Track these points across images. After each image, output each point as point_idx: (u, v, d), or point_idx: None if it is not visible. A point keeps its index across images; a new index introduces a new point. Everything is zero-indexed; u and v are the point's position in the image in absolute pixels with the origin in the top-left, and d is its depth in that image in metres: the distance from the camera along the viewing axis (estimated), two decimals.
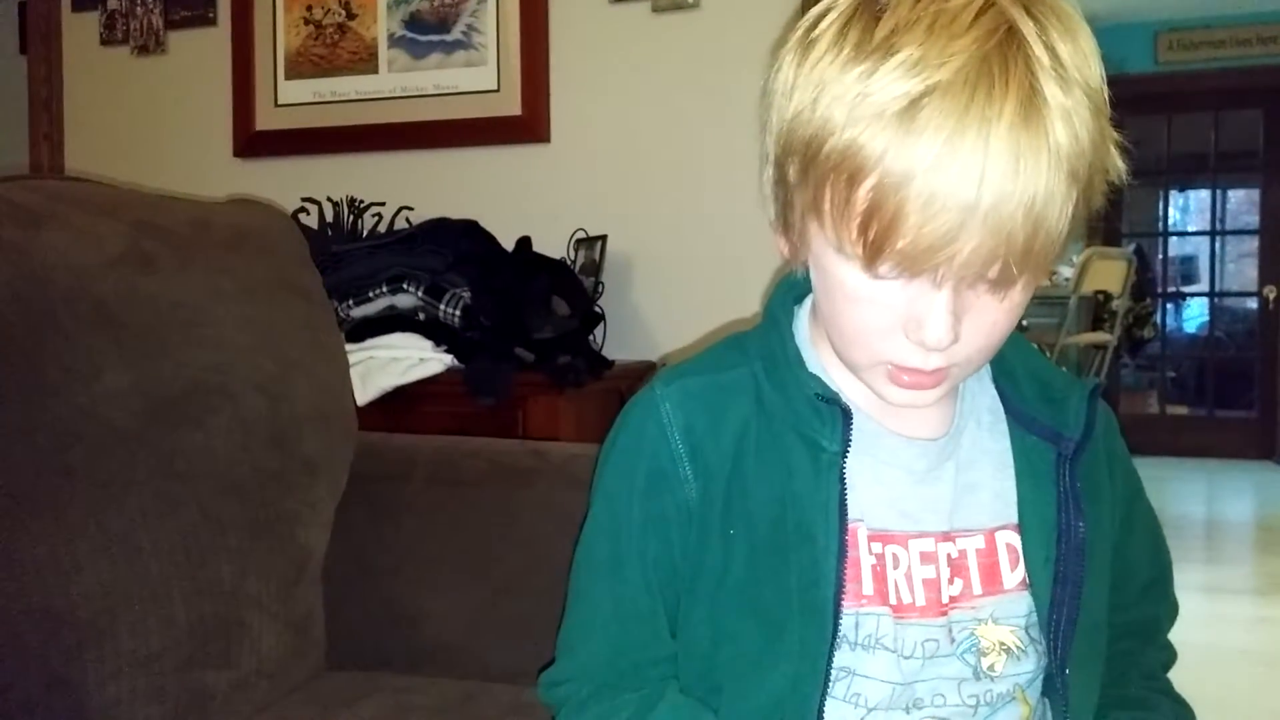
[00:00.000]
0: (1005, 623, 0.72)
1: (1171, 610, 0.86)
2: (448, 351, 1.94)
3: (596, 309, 2.15)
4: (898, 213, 0.59)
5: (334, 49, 2.43)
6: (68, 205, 1.04)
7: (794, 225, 0.69)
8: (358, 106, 2.42)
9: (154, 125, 2.61)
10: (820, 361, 0.75)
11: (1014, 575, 0.72)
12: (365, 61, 2.41)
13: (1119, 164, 0.65)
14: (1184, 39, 5.83)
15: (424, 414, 1.87)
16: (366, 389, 1.87)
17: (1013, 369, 0.77)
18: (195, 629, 0.99)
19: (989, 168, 0.58)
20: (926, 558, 0.71)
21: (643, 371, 2.23)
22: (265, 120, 2.50)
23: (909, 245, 0.59)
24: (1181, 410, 6.40)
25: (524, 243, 2.06)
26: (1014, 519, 0.73)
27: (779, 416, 0.72)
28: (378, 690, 1.11)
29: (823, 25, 0.64)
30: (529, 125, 2.31)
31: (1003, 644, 0.71)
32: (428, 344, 1.95)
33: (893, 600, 0.71)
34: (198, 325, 1.07)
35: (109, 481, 0.95)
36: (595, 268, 2.17)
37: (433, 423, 1.74)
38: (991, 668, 0.71)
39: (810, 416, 0.71)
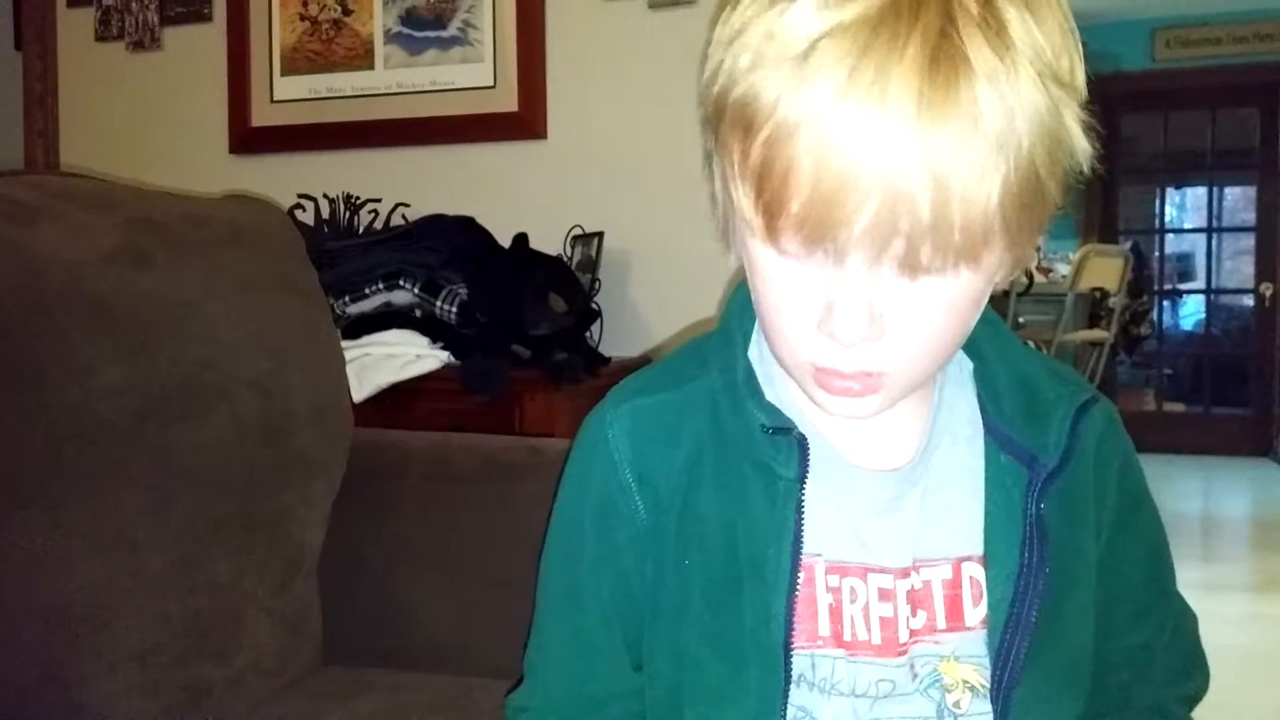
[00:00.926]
0: (967, 660, 0.67)
1: (1175, 629, 0.76)
2: (444, 348, 1.94)
3: (593, 306, 2.14)
4: (790, 167, 0.53)
5: (330, 45, 2.43)
6: (62, 201, 1.03)
7: (719, 207, 0.64)
8: (354, 103, 2.42)
9: (149, 121, 2.60)
10: (781, 377, 0.69)
11: (976, 612, 0.67)
12: (361, 58, 2.41)
13: (1086, 146, 0.57)
14: (1181, 36, 5.83)
15: (420, 411, 1.87)
16: (363, 386, 1.86)
17: (995, 376, 0.69)
18: (190, 624, 0.99)
19: (885, 116, 0.51)
20: (884, 594, 0.66)
21: (639, 368, 2.23)
22: (261, 116, 2.49)
23: (803, 207, 0.53)
24: (1178, 407, 6.42)
25: (520, 239, 2.06)
26: (980, 550, 0.67)
27: (734, 441, 0.67)
28: (373, 686, 1.11)
29: None
30: (525, 121, 2.30)
31: (966, 681, 0.66)
32: (424, 341, 1.94)
33: (847, 637, 0.66)
34: (192, 321, 1.07)
35: (104, 477, 0.95)
36: (592, 264, 2.16)
37: (429, 420, 1.74)
38: (957, 704, 0.66)
39: (765, 444, 0.66)
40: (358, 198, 2.29)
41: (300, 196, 2.24)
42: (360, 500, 1.24)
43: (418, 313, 1.97)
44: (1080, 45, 0.58)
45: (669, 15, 2.23)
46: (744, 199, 0.57)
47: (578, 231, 2.21)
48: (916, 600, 0.67)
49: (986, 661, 0.67)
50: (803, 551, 0.66)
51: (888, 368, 0.59)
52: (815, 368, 0.60)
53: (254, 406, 1.10)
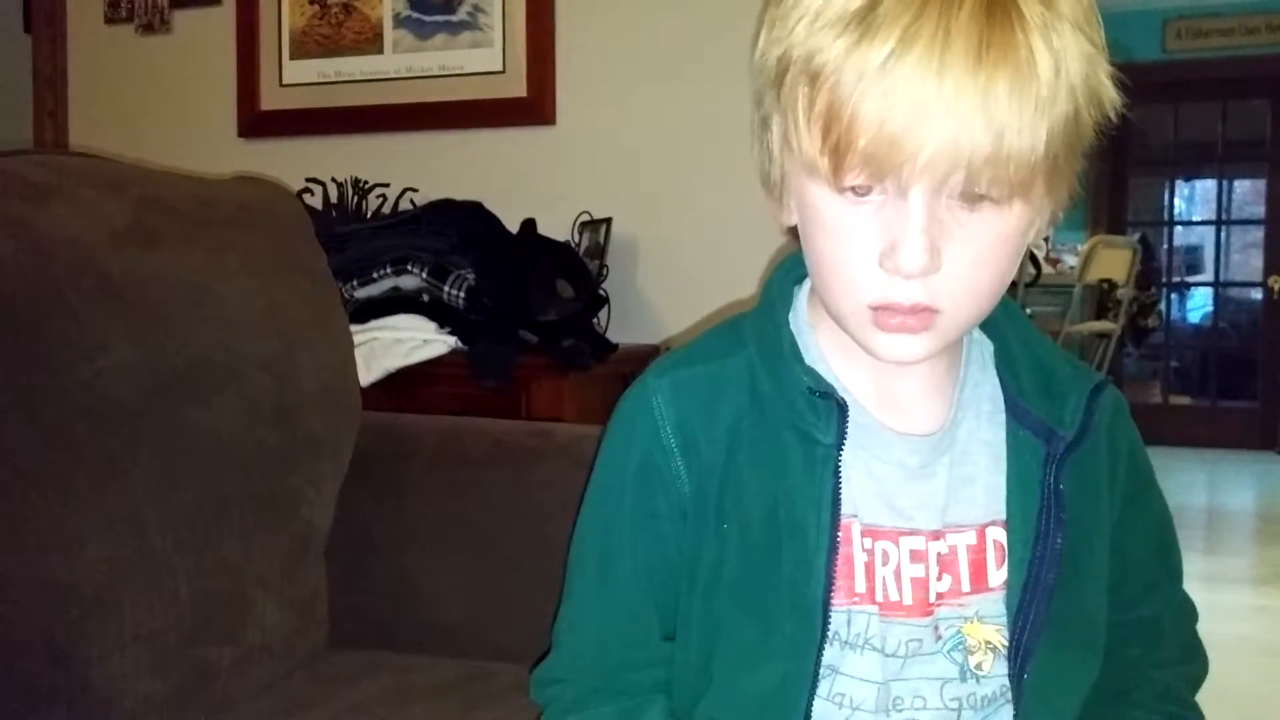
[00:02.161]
0: (990, 621, 0.70)
1: (1180, 611, 0.81)
2: (451, 333, 1.94)
3: (601, 292, 2.14)
4: (856, 109, 0.58)
5: (339, 29, 2.42)
6: (73, 180, 1.03)
7: (775, 169, 0.68)
8: (362, 87, 2.41)
9: (158, 105, 2.60)
10: (819, 347, 0.73)
11: (999, 574, 0.70)
12: (370, 42, 2.40)
13: (1113, 95, 0.63)
14: (1192, 27, 5.80)
15: (428, 396, 1.87)
16: (371, 370, 1.86)
17: (1015, 357, 0.74)
18: (199, 605, 0.99)
19: (949, 57, 0.56)
20: (916, 556, 0.70)
21: (647, 354, 2.23)
22: (270, 100, 2.49)
23: (870, 144, 0.58)
24: (1184, 400, 6.41)
25: (528, 225, 2.05)
26: (1004, 515, 0.71)
27: (773, 409, 0.70)
28: (381, 669, 1.11)
29: None
30: (534, 107, 2.30)
31: (989, 643, 0.70)
32: (432, 326, 1.94)
33: (879, 598, 0.69)
34: (202, 302, 1.07)
35: (113, 457, 0.95)
36: (600, 250, 2.16)
37: (437, 404, 1.74)
38: (979, 666, 0.70)
39: (805, 410, 0.69)
40: (366, 182, 2.28)
41: (308, 180, 2.24)
42: (369, 483, 1.24)
43: (425, 297, 1.97)
44: (1100, 19, 0.63)
45: (679, 0, 2.23)
46: (811, 145, 0.61)
47: (586, 218, 2.21)
48: (943, 564, 0.70)
49: (1006, 622, 0.70)
50: (840, 514, 0.68)
51: (942, 304, 0.63)
52: (873, 308, 0.64)
53: (263, 387, 1.10)
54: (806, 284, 0.75)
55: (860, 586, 0.69)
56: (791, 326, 0.74)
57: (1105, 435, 0.74)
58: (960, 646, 0.70)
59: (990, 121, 0.57)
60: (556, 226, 2.15)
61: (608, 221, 2.18)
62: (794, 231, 0.70)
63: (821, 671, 0.68)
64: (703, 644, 0.72)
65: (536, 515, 1.20)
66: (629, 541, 0.73)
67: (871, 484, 0.70)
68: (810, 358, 0.72)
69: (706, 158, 2.23)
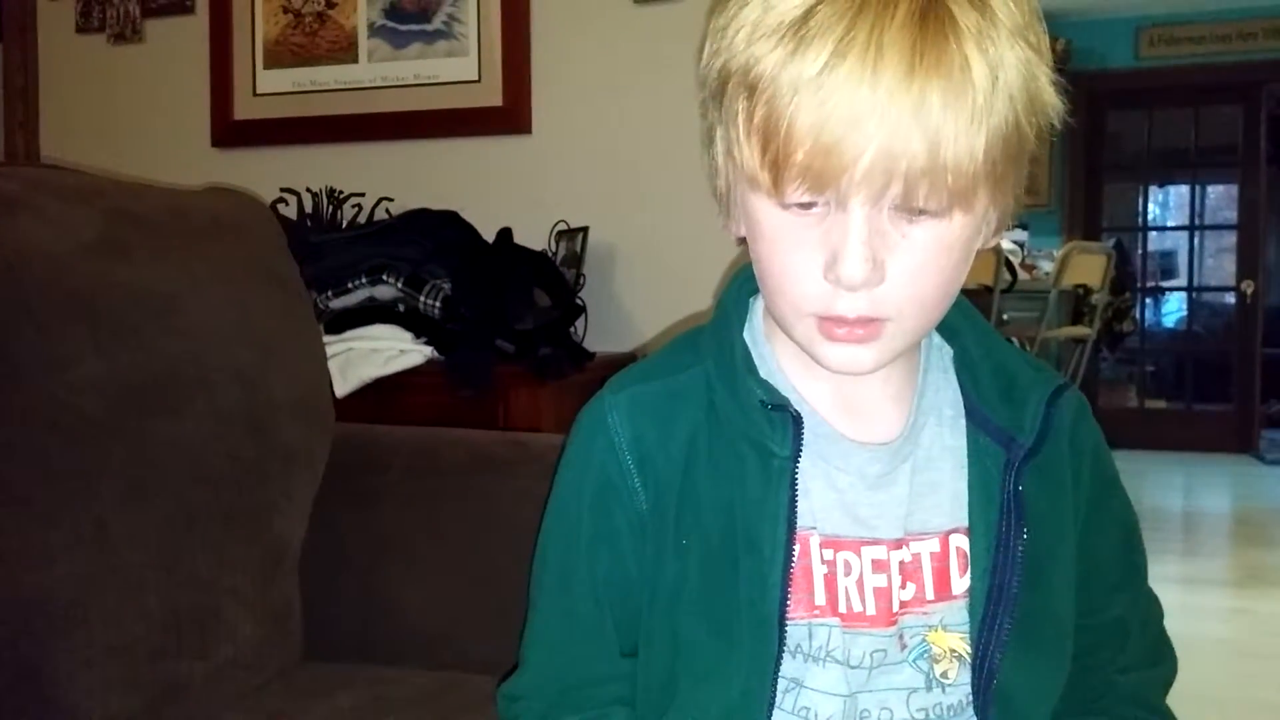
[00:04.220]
0: (955, 629, 0.70)
1: (1147, 611, 0.81)
2: (428, 343, 1.93)
3: (578, 301, 2.14)
4: (793, 121, 0.58)
5: (313, 38, 2.41)
6: (41, 192, 1.02)
7: (722, 181, 0.68)
8: (337, 96, 2.40)
9: (131, 114, 2.58)
10: (776, 358, 0.73)
11: (962, 581, 0.70)
12: (345, 51, 2.39)
13: (1055, 101, 0.63)
14: (1165, 34, 5.86)
15: (405, 406, 1.86)
16: (346, 380, 1.85)
17: (975, 362, 0.73)
18: (170, 619, 0.99)
19: (881, 66, 0.56)
20: (878, 566, 0.69)
21: (624, 363, 2.22)
22: (244, 110, 2.47)
23: (808, 156, 0.58)
24: (1160, 404, 6.45)
25: (505, 234, 2.05)
26: (966, 523, 0.71)
27: (730, 422, 0.70)
28: (356, 681, 1.10)
29: None
30: (510, 116, 2.29)
31: (954, 651, 0.70)
32: (408, 335, 1.93)
33: (842, 609, 0.69)
34: (173, 313, 1.06)
35: (82, 470, 0.94)
36: (577, 259, 2.16)
37: (414, 414, 1.73)
38: (945, 675, 0.69)
39: (761, 422, 0.69)
40: (341, 192, 2.27)
41: (283, 190, 2.23)
42: (343, 494, 1.23)
43: (401, 307, 1.96)
44: (1044, 24, 0.63)
45: (654, 9, 2.23)
46: (751, 158, 0.61)
47: (562, 226, 2.21)
48: (907, 573, 0.70)
49: (970, 630, 0.70)
50: (797, 526, 0.68)
51: (888, 313, 0.63)
52: (819, 319, 0.64)
53: (235, 399, 1.09)
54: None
55: (820, 599, 0.69)
56: (746, 338, 0.73)
57: (1067, 438, 0.73)
58: (925, 655, 0.69)
59: (925, 131, 0.57)
60: (533, 235, 2.15)
61: (584, 230, 2.18)
62: (744, 242, 0.70)
63: (785, 685, 0.68)
64: (665, 659, 0.71)
65: (513, 525, 1.20)
66: (587, 559, 0.73)
67: (832, 494, 0.70)
68: (766, 369, 0.72)
69: (683, 166, 2.23)
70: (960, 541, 0.71)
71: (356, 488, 1.24)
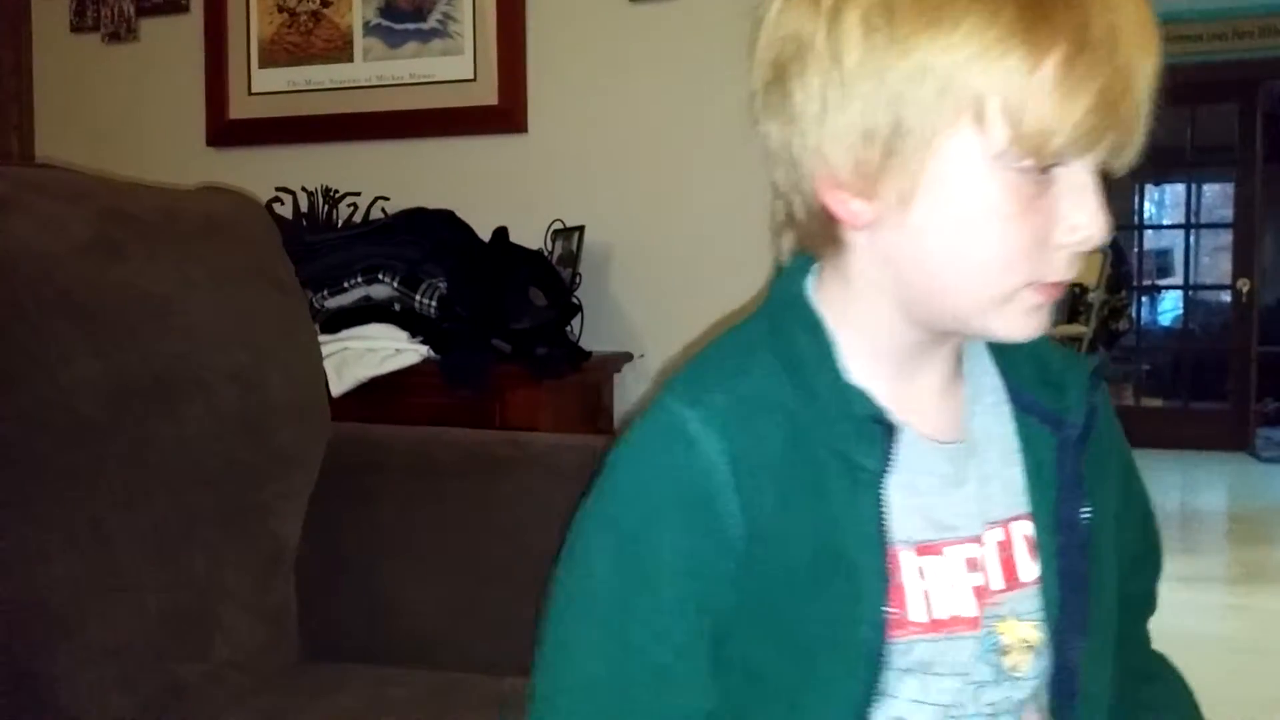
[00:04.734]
0: (1026, 617, 0.68)
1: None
2: (424, 342, 1.93)
3: (574, 300, 2.13)
4: (1092, 66, 0.58)
5: (308, 37, 2.41)
6: (34, 192, 1.02)
7: (897, 170, 0.61)
8: (332, 95, 2.39)
9: (126, 114, 2.57)
10: (843, 358, 0.68)
11: (1031, 568, 0.69)
12: (340, 50, 2.39)
13: None
14: (1161, 32, 5.85)
15: (401, 405, 1.85)
16: (342, 380, 1.85)
17: (1008, 347, 0.71)
18: (167, 620, 0.98)
19: (1147, 30, 0.62)
20: (970, 564, 0.67)
21: (620, 363, 2.22)
22: (239, 109, 2.47)
23: (1091, 116, 0.59)
24: (1156, 402, 6.45)
25: (501, 233, 2.05)
26: (1025, 508, 0.69)
27: (811, 431, 0.65)
28: (353, 681, 1.10)
29: None
30: (506, 115, 2.29)
31: (1025, 641, 0.67)
32: (404, 335, 1.93)
33: (936, 616, 0.66)
34: (167, 314, 1.05)
35: (77, 472, 0.93)
36: (573, 259, 2.15)
37: (410, 414, 1.73)
38: (1014, 668, 0.67)
39: (848, 432, 0.64)
40: (336, 191, 2.27)
41: (278, 190, 2.23)
42: (340, 495, 1.23)
43: (397, 307, 1.96)
44: None
45: (650, 8, 2.23)
46: (1026, 125, 0.59)
47: (558, 225, 2.20)
48: (974, 564, 0.68)
49: (1042, 616, 0.68)
50: (889, 544, 0.65)
51: None
52: (1035, 287, 0.63)
53: (231, 400, 1.09)
54: (811, 289, 0.71)
55: (918, 614, 0.65)
56: (821, 338, 0.68)
57: (1106, 417, 0.73)
58: (995, 648, 0.67)
59: (1149, 93, 0.62)
60: (529, 235, 2.15)
61: (580, 229, 2.18)
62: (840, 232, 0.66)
63: (876, 703, 0.65)
64: (742, 694, 0.66)
65: (510, 525, 1.20)
66: (674, 592, 0.64)
67: (913, 499, 0.67)
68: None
69: (679, 165, 2.23)
70: (1025, 528, 0.70)
71: (353, 488, 1.24)
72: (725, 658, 0.66)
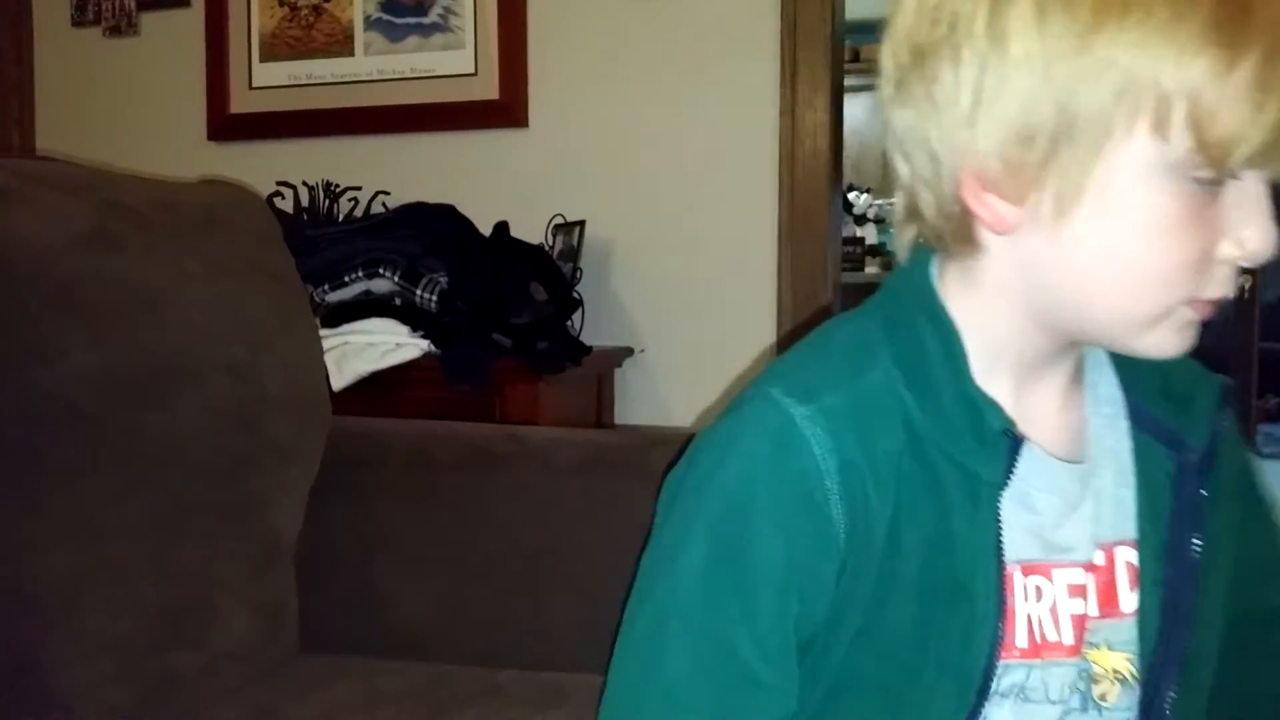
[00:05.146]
0: (1120, 649, 0.64)
1: None
2: (424, 337, 1.93)
3: (575, 295, 2.13)
4: (1266, 99, 0.53)
5: (309, 31, 2.40)
6: (32, 184, 1.02)
7: (1057, 175, 0.57)
8: (333, 90, 2.39)
9: (126, 108, 2.57)
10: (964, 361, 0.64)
11: (1131, 598, 0.65)
12: (341, 44, 2.39)
13: None
14: None
15: (401, 400, 1.85)
16: (343, 374, 1.85)
17: (1131, 356, 0.65)
18: (164, 611, 0.98)
19: None
20: (1074, 590, 0.63)
21: (621, 358, 2.22)
22: (239, 103, 2.47)
23: (1273, 130, 0.53)
24: None
25: (501, 228, 2.04)
26: (1132, 534, 0.65)
27: (930, 439, 0.61)
28: (350, 674, 1.10)
29: None
30: (507, 109, 2.29)
31: (1116, 672, 0.64)
32: (404, 329, 1.93)
33: (1037, 640, 0.63)
34: (164, 306, 1.05)
35: (74, 463, 0.93)
36: (573, 253, 2.15)
37: (410, 409, 1.72)
38: (1103, 697, 0.64)
39: (969, 441, 0.61)
40: (337, 185, 2.27)
41: (279, 184, 2.22)
42: (339, 488, 1.23)
43: (398, 301, 1.96)
44: None
45: (652, 3, 2.22)
46: (1214, 127, 0.54)
47: (559, 220, 2.20)
48: (1080, 592, 0.64)
49: (1137, 649, 0.65)
50: (1004, 563, 0.61)
51: None
52: (1197, 303, 0.59)
53: (228, 393, 1.09)
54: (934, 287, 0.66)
55: (1022, 640, 0.63)
56: (951, 340, 0.63)
57: (1231, 441, 0.68)
58: (1085, 674, 0.64)
59: None
60: (530, 229, 2.14)
61: (581, 224, 2.17)
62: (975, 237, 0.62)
63: None
64: (825, 704, 0.63)
65: (508, 520, 1.20)
66: (765, 596, 0.60)
67: (1028, 518, 0.63)
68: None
69: (680, 160, 2.23)
70: (1128, 555, 0.65)
71: (352, 481, 1.24)
72: (812, 666, 0.63)
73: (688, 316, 2.23)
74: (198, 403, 1.05)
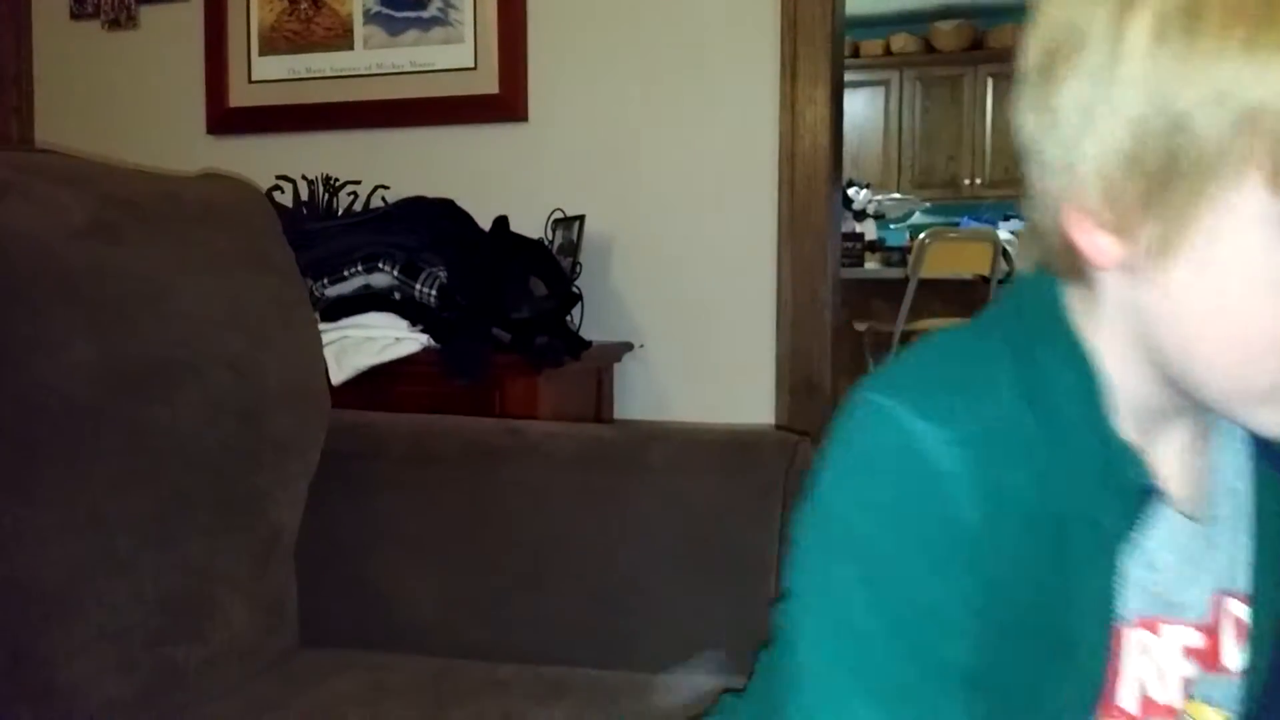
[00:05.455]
0: (1220, 705, 0.60)
1: None
2: (424, 331, 1.93)
3: (574, 289, 2.13)
4: None
5: (308, 25, 2.40)
6: (32, 176, 1.02)
7: (1159, 210, 0.52)
8: (333, 83, 2.39)
9: (126, 101, 2.57)
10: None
11: (1237, 655, 0.60)
12: (340, 38, 2.38)
13: None
14: None
15: (400, 394, 1.86)
16: (342, 368, 1.85)
17: None
18: (165, 604, 0.98)
19: None
20: (1189, 652, 0.59)
21: (620, 352, 2.23)
22: (239, 97, 2.47)
23: None
24: None
25: (501, 222, 2.04)
26: (1246, 587, 0.60)
27: (1056, 483, 0.56)
28: (350, 667, 1.10)
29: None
30: (506, 103, 2.29)
31: None
32: (403, 323, 1.93)
33: (1143, 702, 0.59)
34: (164, 299, 1.05)
35: (75, 455, 0.93)
36: (573, 248, 2.15)
37: (409, 403, 1.72)
38: None
39: (1098, 490, 0.56)
40: (337, 179, 2.27)
41: (279, 178, 2.22)
42: (339, 482, 1.23)
43: (397, 295, 1.96)
44: None
45: None
46: None
47: (559, 215, 2.20)
48: (1192, 654, 0.60)
49: (1239, 710, 0.61)
50: (1116, 619, 0.58)
51: None
52: None
53: (228, 386, 1.09)
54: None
55: (1129, 703, 0.59)
56: (1087, 378, 0.57)
57: None
58: None
59: None
60: (529, 224, 2.14)
61: (581, 218, 2.17)
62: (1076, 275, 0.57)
63: None
64: None
65: (508, 514, 1.20)
66: (957, 640, 0.55)
67: (1147, 575, 0.59)
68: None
69: (679, 154, 2.23)
70: (1238, 608, 0.60)
71: (352, 475, 1.24)
72: None
73: (687, 311, 2.23)
74: (197, 396, 1.05)
